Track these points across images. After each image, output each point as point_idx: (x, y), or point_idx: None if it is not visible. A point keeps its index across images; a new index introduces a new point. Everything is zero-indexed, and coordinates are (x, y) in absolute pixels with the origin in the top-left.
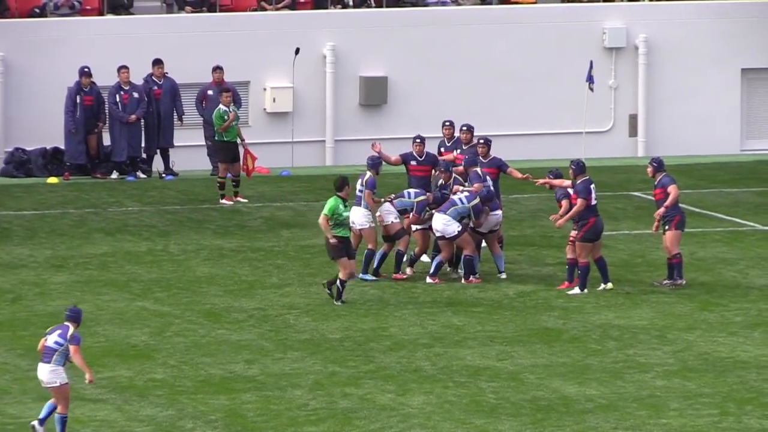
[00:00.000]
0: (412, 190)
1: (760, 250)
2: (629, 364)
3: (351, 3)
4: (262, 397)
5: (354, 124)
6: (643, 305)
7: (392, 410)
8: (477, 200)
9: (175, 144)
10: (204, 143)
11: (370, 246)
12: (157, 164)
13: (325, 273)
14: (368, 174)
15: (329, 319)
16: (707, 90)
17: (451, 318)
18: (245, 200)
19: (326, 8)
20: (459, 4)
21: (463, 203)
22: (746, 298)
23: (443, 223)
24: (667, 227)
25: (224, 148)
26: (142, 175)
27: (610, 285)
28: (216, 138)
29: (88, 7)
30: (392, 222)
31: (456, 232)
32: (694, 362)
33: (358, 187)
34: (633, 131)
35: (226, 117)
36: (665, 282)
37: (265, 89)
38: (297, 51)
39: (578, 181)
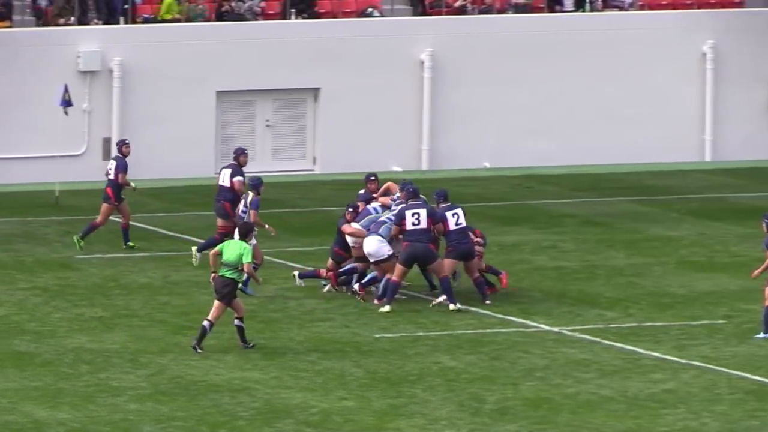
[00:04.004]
0: (377, 205)
1: None
2: (102, 388)
3: None
4: None
5: None
6: (116, 329)
7: None
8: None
9: None
10: None
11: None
12: None
13: None
14: (251, 194)
15: None
16: (182, 113)
17: None
18: None
19: None
20: None
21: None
22: (220, 322)
23: (378, 244)
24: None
25: None
26: None
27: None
28: None
29: None
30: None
31: (386, 255)
32: (167, 386)
33: (241, 207)
34: (107, 155)
35: None
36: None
37: None
38: None
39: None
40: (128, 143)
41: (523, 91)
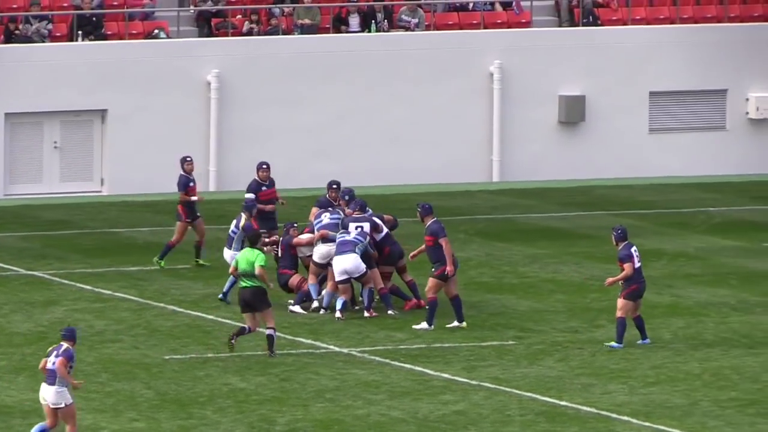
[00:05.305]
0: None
1: (24, 295)
2: None
3: None
4: None
5: None
6: None
7: None
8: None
9: None
10: None
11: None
12: None
13: None
14: (243, 217)
15: None
16: None
17: None
18: None
19: None
20: None
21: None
22: (10, 343)
23: (357, 261)
24: None
25: None
26: None
27: (464, 324)
28: None
29: None
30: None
31: (364, 270)
32: None
33: (232, 228)
34: None
35: None
36: None
37: None
38: None
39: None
40: (190, 160)
41: (310, 112)
